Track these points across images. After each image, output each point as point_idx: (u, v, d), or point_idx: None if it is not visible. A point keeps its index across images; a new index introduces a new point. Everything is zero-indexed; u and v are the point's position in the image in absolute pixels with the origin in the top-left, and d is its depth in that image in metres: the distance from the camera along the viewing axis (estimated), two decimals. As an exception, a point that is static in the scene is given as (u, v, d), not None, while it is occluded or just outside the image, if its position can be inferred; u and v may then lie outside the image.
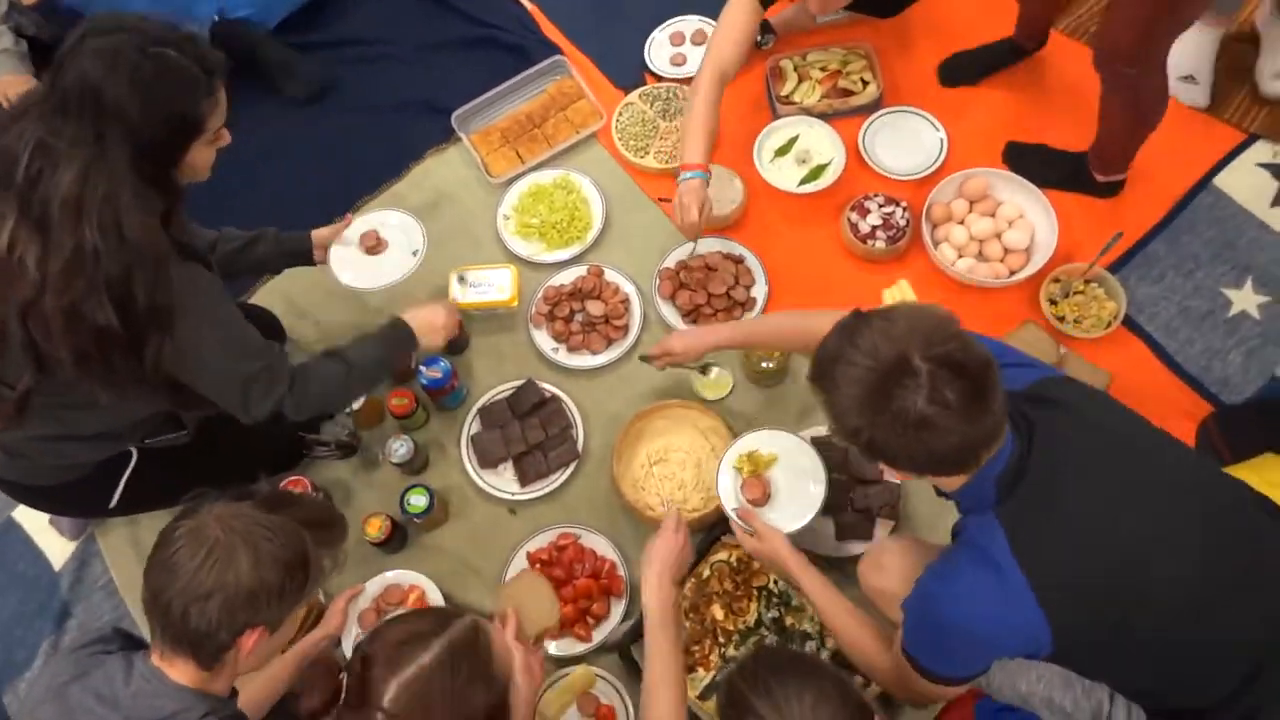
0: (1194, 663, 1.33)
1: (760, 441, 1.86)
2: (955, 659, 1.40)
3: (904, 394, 1.19)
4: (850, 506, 1.97)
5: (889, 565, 1.64)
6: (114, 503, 1.87)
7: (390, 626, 1.24)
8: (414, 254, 2.16)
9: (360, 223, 2.18)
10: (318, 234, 2.13)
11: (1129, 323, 2.14)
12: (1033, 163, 2.31)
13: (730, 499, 1.83)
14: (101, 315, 1.42)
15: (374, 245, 2.16)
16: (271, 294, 2.38)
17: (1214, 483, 1.39)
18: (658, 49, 2.61)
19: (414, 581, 2.01)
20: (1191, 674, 1.34)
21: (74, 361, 1.46)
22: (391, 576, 2.01)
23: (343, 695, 1.19)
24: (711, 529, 1.97)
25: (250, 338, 1.69)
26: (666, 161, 2.41)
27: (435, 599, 1.99)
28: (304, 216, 2.42)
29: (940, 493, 1.41)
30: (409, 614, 1.28)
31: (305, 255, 2.13)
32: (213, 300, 1.61)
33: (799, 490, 1.82)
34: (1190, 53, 2.31)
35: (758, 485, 1.83)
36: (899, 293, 2.18)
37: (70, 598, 2.13)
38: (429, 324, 1.98)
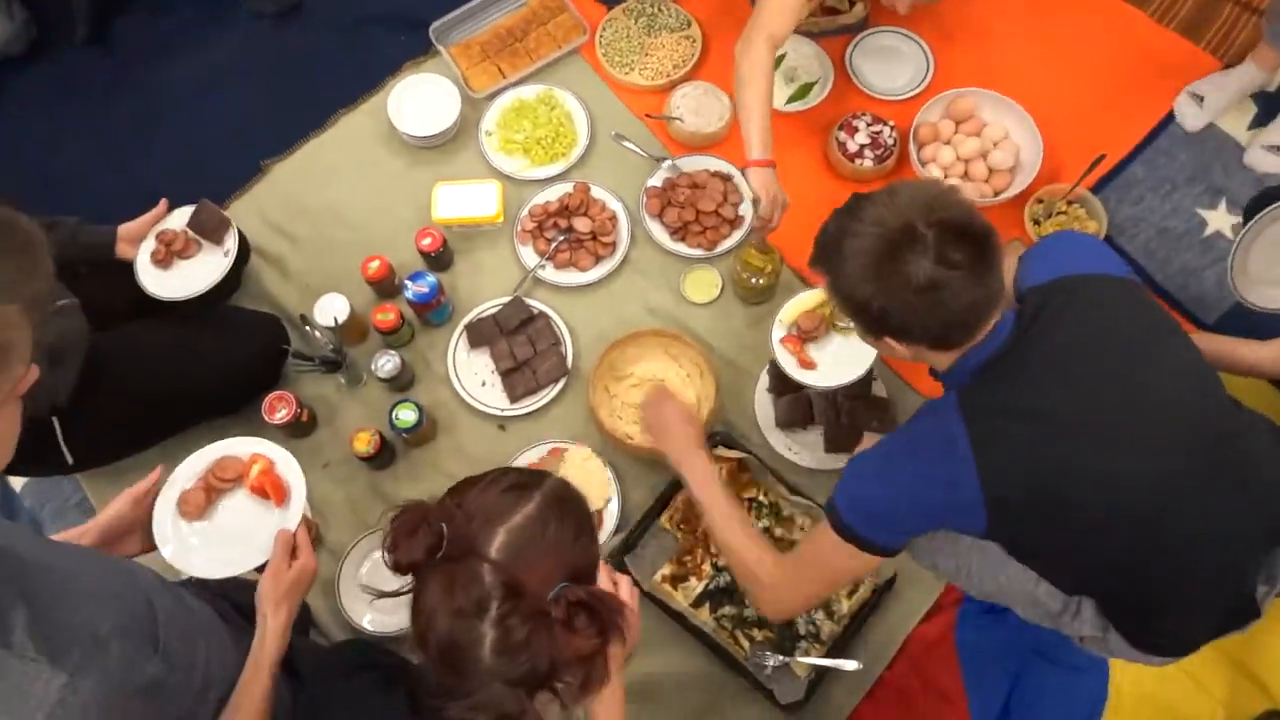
0: (1132, 571, 1.36)
1: None
2: (880, 518, 1.40)
3: (912, 258, 1.24)
4: (839, 418, 2.00)
5: None
6: None
7: (482, 482, 1.17)
8: (225, 254, 1.97)
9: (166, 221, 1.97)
10: (126, 228, 1.94)
11: (1109, 242, 2.18)
12: None
13: (790, 314, 1.94)
14: None
15: (182, 248, 1.94)
16: (247, 207, 2.32)
17: (1219, 409, 1.37)
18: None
19: (256, 450, 1.57)
20: (1130, 580, 1.37)
21: None
22: (223, 447, 1.58)
23: (443, 546, 1.09)
24: (703, 442, 1.98)
25: None
26: (652, 78, 2.37)
27: (289, 469, 1.56)
28: (264, 137, 2.40)
29: (933, 374, 1.44)
30: (492, 473, 1.19)
31: (106, 249, 1.93)
32: None
33: (848, 360, 1.88)
34: (1219, 85, 2.26)
35: (815, 322, 1.90)
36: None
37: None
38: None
